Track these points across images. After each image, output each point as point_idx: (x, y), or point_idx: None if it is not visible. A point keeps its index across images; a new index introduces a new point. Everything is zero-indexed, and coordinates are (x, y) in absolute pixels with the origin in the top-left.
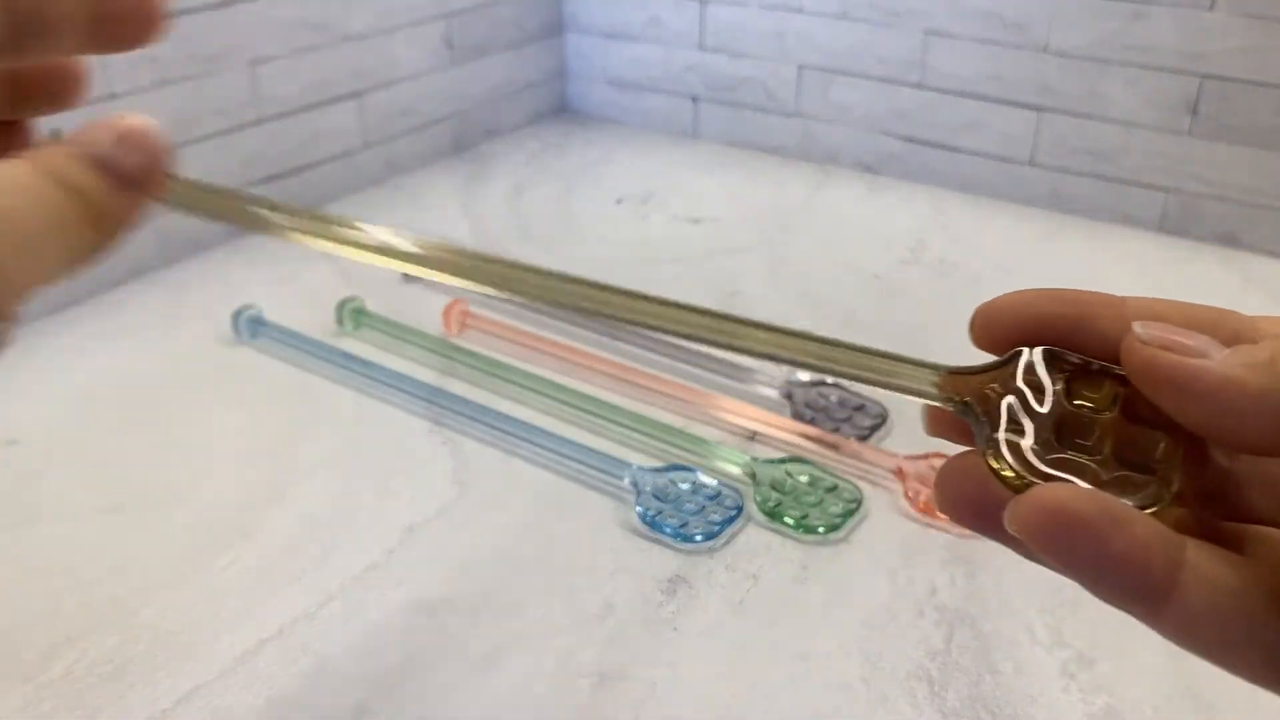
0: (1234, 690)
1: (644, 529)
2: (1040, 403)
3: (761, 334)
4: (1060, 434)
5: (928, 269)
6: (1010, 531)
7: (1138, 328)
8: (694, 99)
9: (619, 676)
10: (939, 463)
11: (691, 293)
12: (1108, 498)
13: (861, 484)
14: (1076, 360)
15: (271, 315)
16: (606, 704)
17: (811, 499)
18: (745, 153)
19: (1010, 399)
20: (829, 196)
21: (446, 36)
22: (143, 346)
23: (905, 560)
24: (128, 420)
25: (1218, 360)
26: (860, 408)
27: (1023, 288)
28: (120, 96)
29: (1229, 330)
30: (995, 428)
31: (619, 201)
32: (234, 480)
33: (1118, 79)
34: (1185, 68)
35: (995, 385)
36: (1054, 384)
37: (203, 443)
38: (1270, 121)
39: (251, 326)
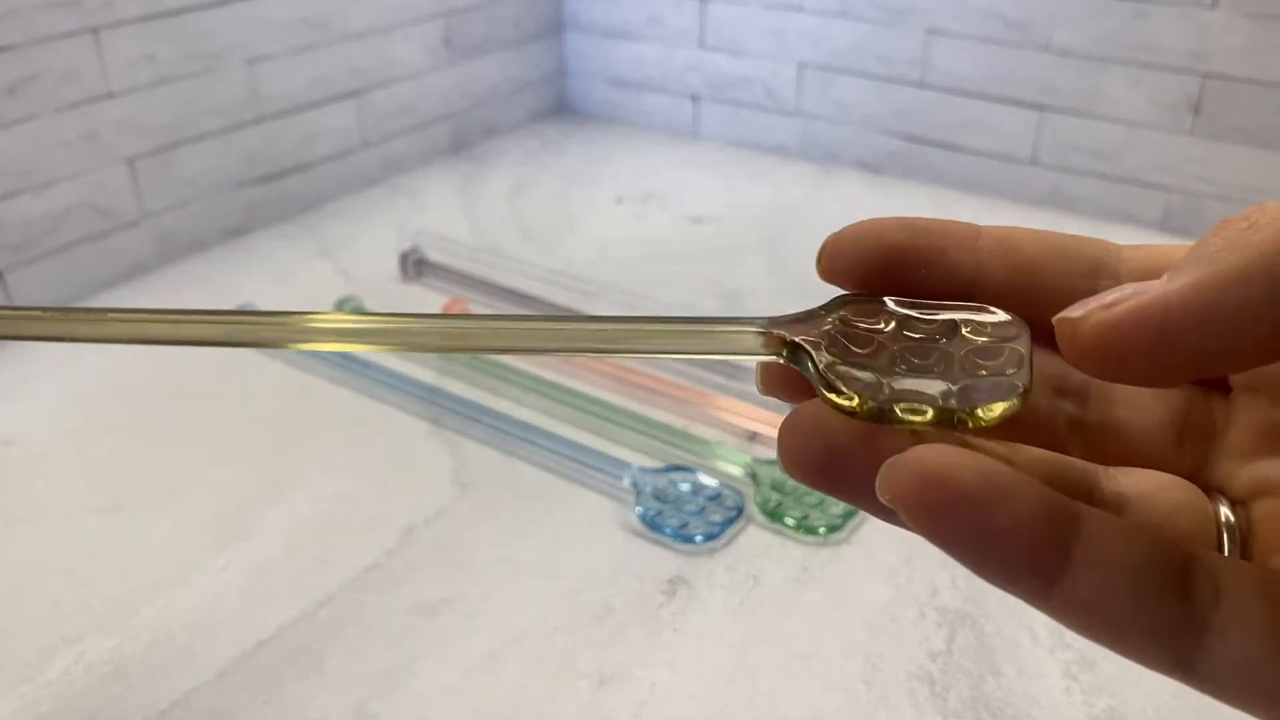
0: None
1: (644, 529)
2: (875, 326)
3: (557, 327)
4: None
5: None
6: (882, 501)
7: (1070, 313)
8: (694, 98)
9: (619, 677)
10: None
11: (692, 292)
12: (993, 464)
13: None
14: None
15: None
16: (606, 704)
17: (812, 499)
18: (746, 152)
19: (832, 328)
20: (830, 196)
21: (445, 35)
22: (140, 346)
23: (906, 561)
24: (125, 420)
25: (1166, 283)
26: None
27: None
28: (118, 95)
29: (1088, 258)
30: (820, 361)
31: (619, 201)
32: (233, 481)
33: (1120, 78)
34: (1187, 67)
35: (825, 325)
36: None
37: (201, 443)
38: (1272, 121)
39: None
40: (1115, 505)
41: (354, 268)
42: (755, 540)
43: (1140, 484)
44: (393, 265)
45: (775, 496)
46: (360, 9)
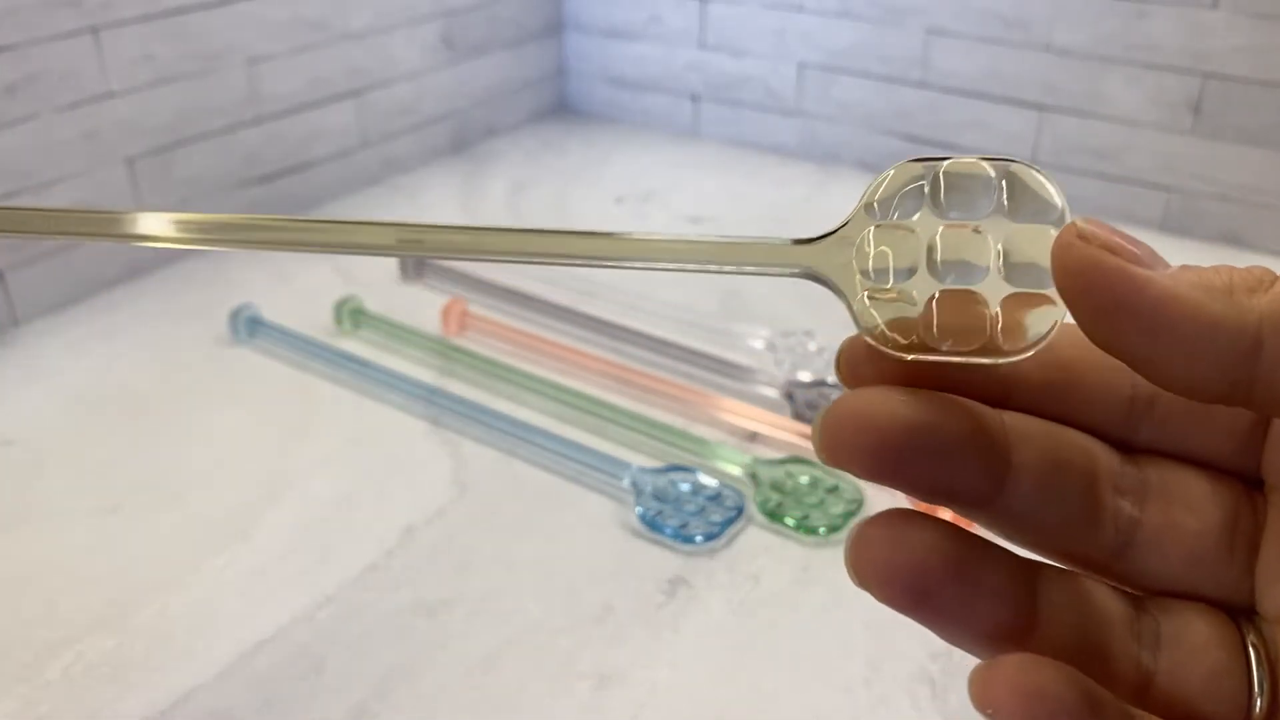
0: None
1: (644, 530)
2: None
3: (589, 242)
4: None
5: None
6: (980, 712)
7: (1080, 221)
8: (694, 98)
9: (619, 678)
10: None
11: (691, 292)
12: (1084, 679)
13: (862, 484)
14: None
15: (269, 314)
16: (606, 705)
17: (812, 499)
18: (746, 152)
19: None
20: (830, 195)
21: (445, 35)
22: (139, 346)
23: None
24: (124, 420)
25: (1165, 274)
26: None
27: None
28: (118, 95)
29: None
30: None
31: (619, 201)
32: (232, 481)
33: (1120, 78)
34: (1188, 66)
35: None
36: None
37: (200, 443)
38: (1273, 121)
39: (249, 326)
40: (1151, 644)
41: (354, 268)
42: (755, 540)
43: (1173, 621)
44: (393, 265)
45: (775, 496)
46: (360, 9)
